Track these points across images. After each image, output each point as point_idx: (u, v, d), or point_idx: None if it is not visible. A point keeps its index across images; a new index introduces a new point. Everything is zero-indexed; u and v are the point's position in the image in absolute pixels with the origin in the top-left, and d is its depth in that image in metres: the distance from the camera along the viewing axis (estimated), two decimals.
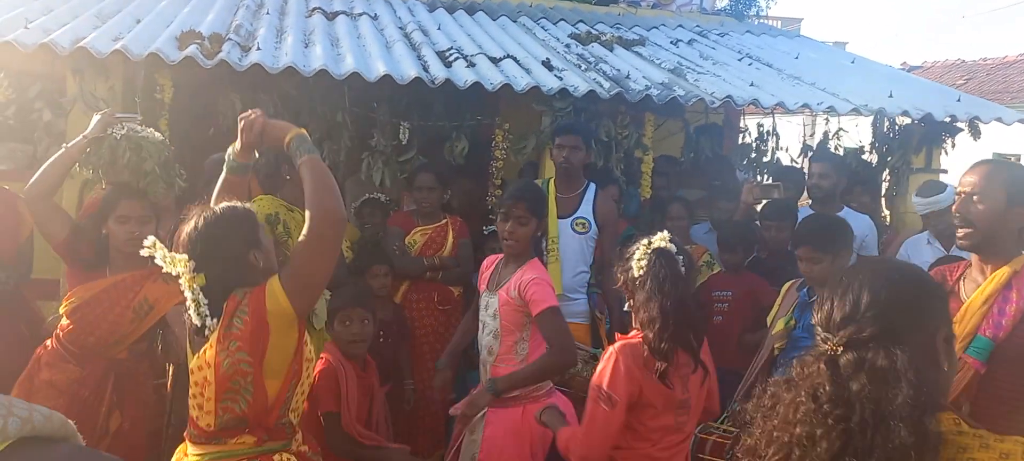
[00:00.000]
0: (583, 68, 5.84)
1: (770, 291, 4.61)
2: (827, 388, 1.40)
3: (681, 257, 2.80)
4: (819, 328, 1.53)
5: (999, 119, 5.94)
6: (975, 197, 2.56)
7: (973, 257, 2.66)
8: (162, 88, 4.94)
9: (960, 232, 2.62)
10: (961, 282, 2.68)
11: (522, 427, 3.22)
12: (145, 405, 3.53)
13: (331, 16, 6.36)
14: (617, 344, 2.78)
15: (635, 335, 2.77)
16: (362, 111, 5.32)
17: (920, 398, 1.35)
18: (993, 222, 2.53)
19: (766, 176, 5.22)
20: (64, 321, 3.38)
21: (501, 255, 3.53)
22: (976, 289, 2.57)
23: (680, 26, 7.81)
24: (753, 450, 1.52)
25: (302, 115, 5.22)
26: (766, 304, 4.53)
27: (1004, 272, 2.52)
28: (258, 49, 5.03)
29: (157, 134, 3.75)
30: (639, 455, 2.78)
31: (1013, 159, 15.58)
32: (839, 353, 1.44)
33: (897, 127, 6.17)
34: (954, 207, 2.63)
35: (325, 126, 5.26)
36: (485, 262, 3.68)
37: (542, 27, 7.16)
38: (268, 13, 6.14)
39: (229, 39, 5.17)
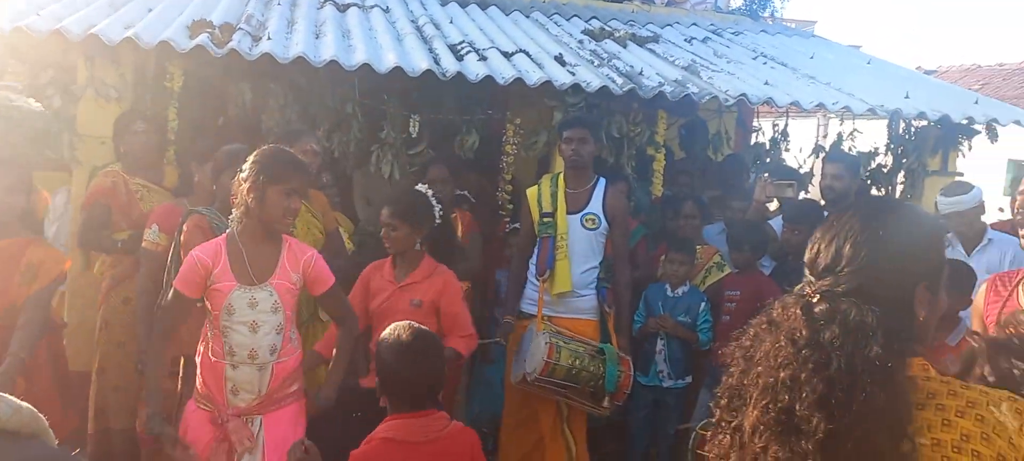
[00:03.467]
0: (596, 64, 5.80)
1: (777, 290, 4.56)
2: (803, 332, 1.41)
3: None
4: (806, 268, 1.54)
5: (1017, 122, 5.86)
6: None
7: None
8: (172, 76, 4.93)
9: (1022, 233, 2.61)
10: (1020, 286, 2.66)
11: (301, 419, 3.20)
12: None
13: (343, 8, 6.33)
14: None
15: None
16: (372, 103, 5.29)
17: (890, 354, 1.36)
18: None
19: (767, 176, 5.16)
20: None
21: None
22: None
23: (694, 24, 7.74)
24: (736, 390, 1.51)
25: (312, 105, 5.21)
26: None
27: None
28: (268, 39, 5.01)
29: (35, 105, 3.77)
30: None
31: None
32: (815, 301, 1.45)
33: (913, 129, 6.10)
34: (1017, 204, 2.61)
35: (335, 117, 5.24)
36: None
37: (555, 23, 7.11)
38: (279, 4, 6.11)
39: (240, 29, 5.14)
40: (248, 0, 6.04)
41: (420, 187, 4.03)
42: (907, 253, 1.47)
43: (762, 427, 1.42)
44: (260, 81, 5.05)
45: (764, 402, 1.42)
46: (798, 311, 1.45)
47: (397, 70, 4.92)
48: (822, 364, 1.37)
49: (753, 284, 4.79)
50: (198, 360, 3.14)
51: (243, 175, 3.02)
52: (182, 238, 3.61)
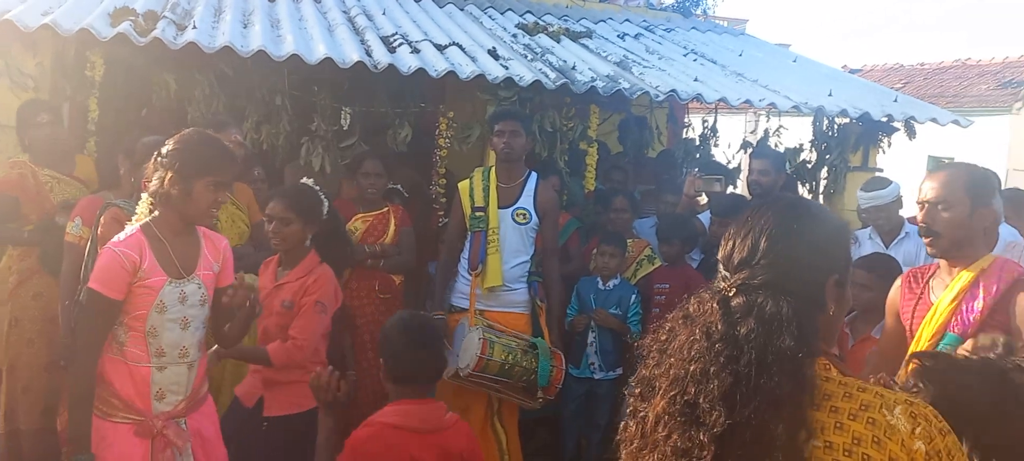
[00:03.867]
0: (529, 58, 5.81)
1: (704, 284, 4.66)
2: (719, 327, 1.44)
3: None
4: (721, 264, 1.57)
5: (934, 120, 6.09)
6: (940, 206, 2.59)
7: (941, 262, 2.70)
8: (93, 65, 4.77)
9: (927, 241, 2.66)
10: (931, 282, 2.73)
11: (215, 414, 3.17)
12: None
13: None
14: None
15: None
16: (302, 94, 5.21)
17: (801, 346, 1.39)
18: (959, 228, 2.57)
19: (697, 171, 5.26)
20: None
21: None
22: (943, 288, 2.64)
23: (627, 20, 7.83)
24: (648, 381, 1.54)
25: (240, 97, 5.10)
26: None
27: (970, 272, 2.58)
28: (194, 28, 4.89)
29: None
30: None
31: (946, 162, 16.05)
32: (732, 294, 1.48)
33: (836, 126, 6.28)
34: (920, 217, 2.66)
35: (263, 109, 5.14)
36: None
37: (489, 16, 7.11)
38: None
39: (164, 17, 5.01)
40: None
41: (306, 181, 3.80)
42: (818, 247, 1.50)
43: (666, 417, 1.44)
44: (185, 71, 4.93)
45: (672, 393, 1.45)
46: (715, 305, 1.48)
47: (328, 61, 4.86)
48: (733, 358, 1.39)
49: (683, 277, 4.88)
50: (102, 367, 2.79)
51: (164, 161, 2.77)
52: (99, 231, 3.49)
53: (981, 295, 2.55)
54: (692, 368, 1.43)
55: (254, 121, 5.09)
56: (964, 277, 2.59)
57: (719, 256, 1.59)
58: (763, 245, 1.49)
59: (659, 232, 5.05)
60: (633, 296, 4.88)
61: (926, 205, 2.63)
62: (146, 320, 2.75)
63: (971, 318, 2.53)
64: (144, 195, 2.86)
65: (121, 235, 2.81)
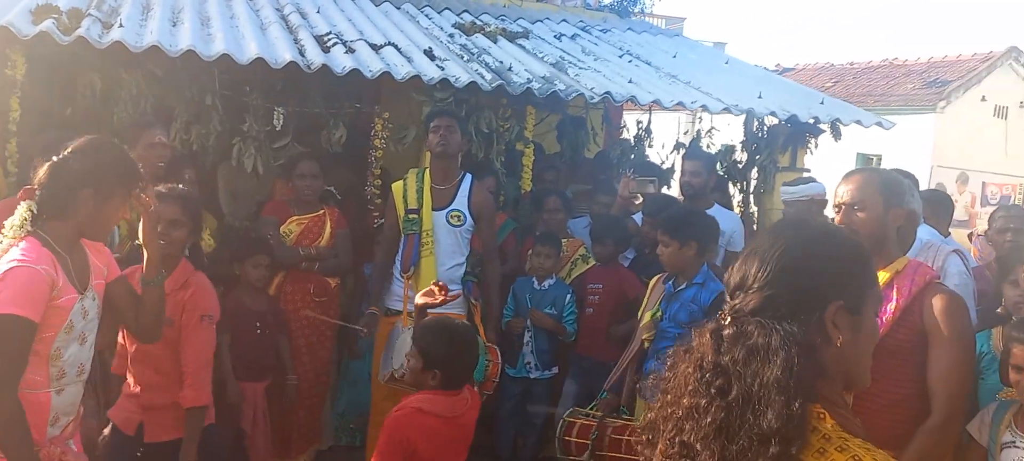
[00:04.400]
0: (465, 59, 5.82)
1: (637, 284, 4.76)
2: (709, 358, 1.36)
3: None
4: (726, 294, 1.48)
5: (858, 122, 6.29)
6: (855, 207, 2.68)
7: None
8: (15, 64, 4.61)
9: None
10: None
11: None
12: None
13: None
14: None
15: None
16: (233, 94, 5.12)
17: (790, 380, 1.27)
18: (875, 228, 2.66)
19: (631, 172, 5.34)
20: None
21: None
22: None
23: (564, 20, 7.89)
24: (653, 424, 1.45)
25: (168, 97, 5.00)
26: (633, 297, 4.69)
27: (885, 274, 2.65)
28: (121, 26, 4.77)
29: None
30: None
31: (874, 159, 16.48)
32: (726, 323, 1.39)
33: (765, 127, 6.43)
34: (837, 219, 2.75)
35: (193, 109, 5.04)
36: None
37: (426, 15, 7.09)
38: None
39: (90, 14, 4.87)
40: None
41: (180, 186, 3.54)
42: (820, 271, 1.39)
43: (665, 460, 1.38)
44: (112, 70, 4.81)
45: (670, 434, 1.38)
46: (708, 336, 1.39)
47: (260, 61, 4.80)
48: (723, 390, 1.32)
49: (616, 277, 4.96)
50: None
51: (69, 169, 2.47)
52: None
53: (894, 296, 2.64)
54: (685, 403, 1.36)
55: (184, 121, 4.99)
56: (879, 278, 2.69)
57: (726, 284, 1.50)
58: (755, 269, 1.40)
59: (592, 233, 5.12)
60: (568, 296, 4.94)
61: (843, 207, 2.73)
62: (52, 343, 2.47)
63: (884, 319, 2.62)
64: (24, 203, 2.48)
65: (18, 250, 2.40)
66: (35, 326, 2.37)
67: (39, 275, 2.37)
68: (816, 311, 1.36)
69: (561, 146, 6.50)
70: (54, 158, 2.50)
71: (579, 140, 6.35)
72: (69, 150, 2.51)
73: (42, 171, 2.50)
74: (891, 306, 2.62)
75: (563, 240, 5.20)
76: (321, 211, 4.87)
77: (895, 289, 2.65)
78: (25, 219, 2.45)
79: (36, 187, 2.49)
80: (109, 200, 2.54)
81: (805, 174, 5.94)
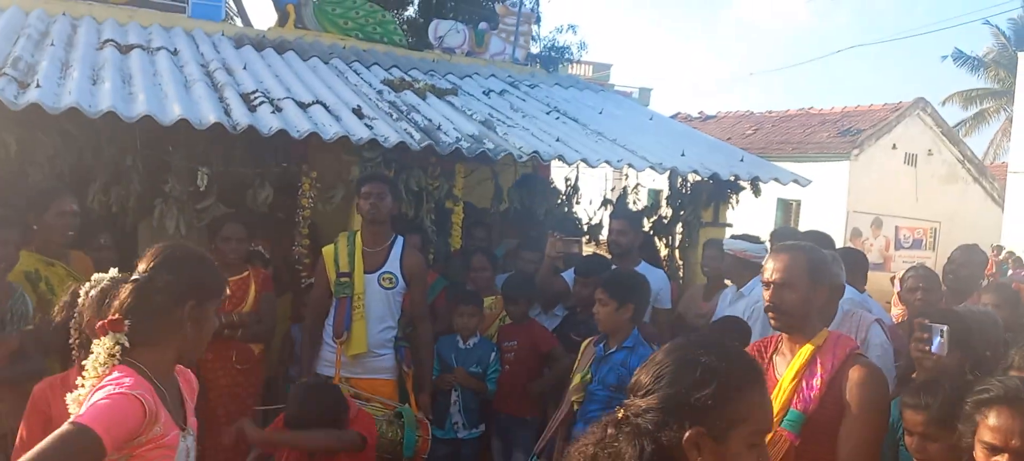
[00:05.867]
0: (395, 117, 5.83)
1: (549, 338, 4.87)
2: (589, 450, 1.45)
3: None
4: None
5: (776, 179, 6.51)
6: (784, 287, 2.78)
7: (783, 335, 2.88)
8: None
9: (771, 317, 2.84)
10: (774, 358, 2.89)
11: None
12: None
13: (125, 49, 5.97)
14: None
15: None
16: (155, 154, 5.00)
17: None
18: (800, 306, 2.77)
19: (556, 234, 5.38)
20: None
21: None
22: (786, 365, 2.80)
23: (493, 75, 7.99)
24: None
25: (86, 157, 4.86)
26: (547, 350, 4.78)
27: (808, 349, 2.75)
28: (38, 86, 4.62)
29: None
30: None
31: (793, 204, 16.93)
32: (612, 421, 1.47)
33: (689, 184, 6.60)
34: (766, 296, 2.84)
35: (113, 169, 4.90)
36: None
37: (355, 71, 7.08)
38: (53, 44, 5.66)
39: (5, 73, 4.71)
40: (17, 40, 5.57)
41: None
42: (684, 392, 1.41)
43: None
44: (28, 130, 4.65)
45: None
46: (601, 427, 1.48)
47: (183, 121, 4.71)
48: None
49: (527, 332, 5.00)
50: None
51: (158, 292, 2.12)
52: None
53: (818, 371, 2.72)
54: None
55: (102, 182, 4.85)
56: (802, 354, 2.77)
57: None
58: (645, 378, 1.46)
59: (503, 292, 5.15)
60: (493, 354, 4.94)
61: (772, 286, 2.82)
62: None
63: (811, 395, 2.70)
64: (108, 337, 2.09)
65: (116, 379, 2.04)
66: (104, 453, 1.94)
67: (136, 405, 2.00)
68: (678, 432, 1.39)
69: (515, 203, 6.46)
70: (135, 278, 2.15)
71: (531, 197, 6.36)
72: (150, 266, 2.15)
73: (125, 295, 2.13)
74: (816, 381, 2.70)
75: (491, 297, 5.21)
76: (246, 273, 4.77)
77: (818, 364, 2.73)
78: (113, 355, 2.08)
79: (120, 316, 2.10)
80: (209, 315, 2.25)
81: (730, 229, 6.12)
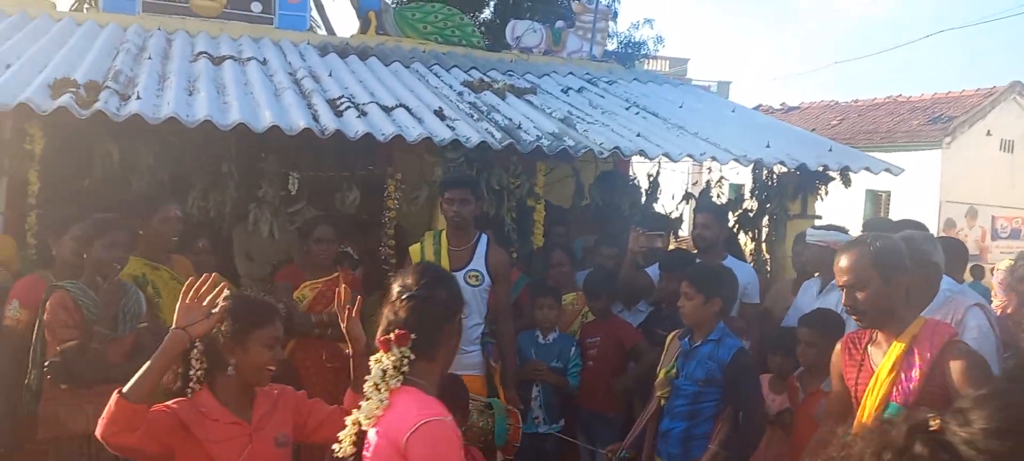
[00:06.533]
0: (475, 118, 5.89)
1: (632, 333, 4.84)
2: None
3: None
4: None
5: (868, 168, 6.31)
6: (854, 288, 2.71)
7: None
8: (33, 139, 4.70)
9: (854, 318, 2.78)
10: (869, 348, 2.81)
11: None
12: None
13: (218, 61, 6.20)
14: None
15: None
16: (249, 161, 5.20)
17: None
18: (877, 304, 2.68)
19: (639, 228, 5.36)
20: None
21: None
22: (882, 356, 2.72)
23: (570, 73, 7.98)
24: None
25: (185, 165, 5.08)
26: (631, 346, 4.77)
27: (903, 341, 2.66)
28: (138, 98, 4.85)
29: None
30: None
31: (883, 196, 16.37)
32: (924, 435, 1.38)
33: (775, 175, 6.47)
34: (842, 300, 2.77)
35: (210, 177, 5.12)
36: None
37: (435, 74, 7.18)
38: (150, 58, 5.94)
39: (107, 87, 4.97)
40: (116, 54, 5.85)
41: None
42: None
43: None
44: (129, 140, 4.89)
45: None
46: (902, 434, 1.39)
47: (275, 127, 4.87)
48: None
49: (610, 328, 4.99)
50: None
51: (435, 306, 2.21)
52: (45, 317, 3.44)
53: (917, 363, 2.64)
54: None
55: (201, 189, 5.07)
56: (898, 346, 2.69)
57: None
58: (981, 415, 1.37)
59: (584, 288, 5.14)
60: (573, 349, 4.96)
61: (844, 288, 2.75)
62: None
63: (911, 387, 2.62)
64: (395, 350, 2.14)
65: (417, 404, 2.12)
66: None
67: (454, 430, 2.10)
68: None
69: (595, 199, 6.47)
70: (409, 294, 2.19)
71: (612, 193, 6.36)
72: (421, 281, 2.24)
73: (402, 310, 2.18)
74: (915, 372, 2.63)
75: (572, 294, 5.23)
76: (335, 274, 4.89)
77: (916, 354, 2.65)
78: (400, 369, 2.14)
79: (405, 331, 2.15)
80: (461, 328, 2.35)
81: (819, 221, 5.97)
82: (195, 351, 2.60)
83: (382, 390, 2.12)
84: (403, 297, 2.19)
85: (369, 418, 2.12)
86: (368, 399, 2.13)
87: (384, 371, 2.12)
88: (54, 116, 4.60)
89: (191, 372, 2.62)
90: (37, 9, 7.00)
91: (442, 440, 2.05)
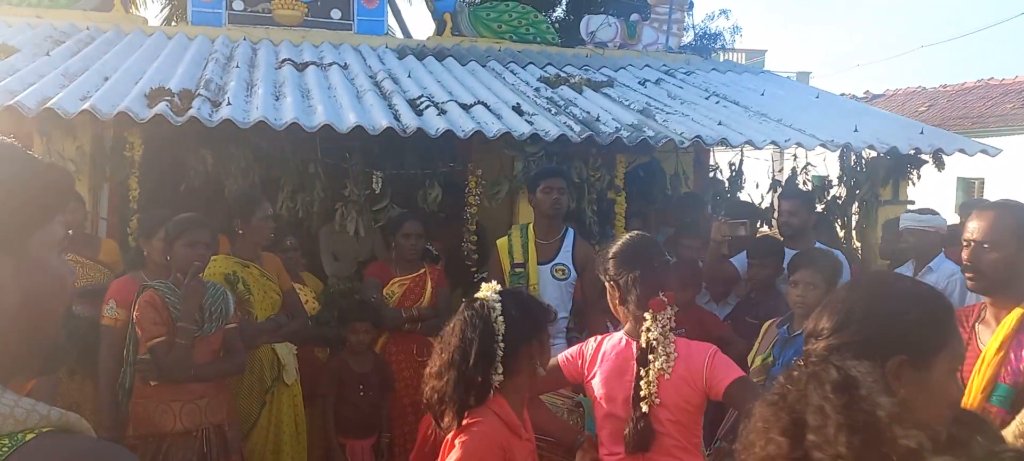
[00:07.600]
0: (553, 112, 5.89)
1: (718, 323, 4.73)
2: (787, 398, 1.30)
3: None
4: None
5: (962, 150, 6.05)
6: (986, 245, 2.57)
7: (986, 300, 2.67)
8: (131, 146, 4.92)
9: (969, 277, 2.65)
10: (977, 326, 2.69)
11: None
12: None
13: (301, 67, 6.37)
14: None
15: None
16: (334, 161, 5.32)
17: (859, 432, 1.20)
18: (1005, 268, 2.55)
19: (723, 216, 5.26)
20: None
21: None
22: (990, 334, 2.59)
23: (647, 66, 7.91)
24: None
25: (274, 167, 5.22)
26: (718, 335, 4.66)
27: (1015, 315, 2.52)
28: (228, 104, 5.02)
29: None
30: None
31: (976, 183, 15.69)
32: (800, 364, 1.36)
33: (864, 160, 6.27)
34: (965, 255, 2.65)
35: (298, 178, 5.26)
36: None
37: (511, 71, 7.21)
38: (238, 66, 6.14)
39: (199, 94, 5.15)
40: (206, 64, 6.06)
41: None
42: (879, 321, 1.39)
43: None
44: (221, 145, 5.06)
45: None
46: (781, 380, 1.34)
47: (358, 128, 4.97)
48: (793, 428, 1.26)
49: (695, 319, 4.89)
50: None
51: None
52: (135, 315, 3.59)
53: None
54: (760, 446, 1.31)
55: (289, 190, 5.21)
56: (1009, 321, 2.55)
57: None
58: (825, 319, 1.42)
59: None
60: None
61: (972, 244, 2.62)
62: None
63: (1021, 367, 2.49)
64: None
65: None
66: None
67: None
68: (877, 362, 1.31)
69: (649, 190, 6.43)
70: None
71: (671, 184, 6.31)
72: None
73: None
74: None
75: None
76: (422, 270, 4.96)
77: None
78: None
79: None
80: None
81: (911, 206, 5.78)
82: None
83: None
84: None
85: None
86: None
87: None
88: (151, 124, 4.80)
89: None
90: (130, 25, 7.33)
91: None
